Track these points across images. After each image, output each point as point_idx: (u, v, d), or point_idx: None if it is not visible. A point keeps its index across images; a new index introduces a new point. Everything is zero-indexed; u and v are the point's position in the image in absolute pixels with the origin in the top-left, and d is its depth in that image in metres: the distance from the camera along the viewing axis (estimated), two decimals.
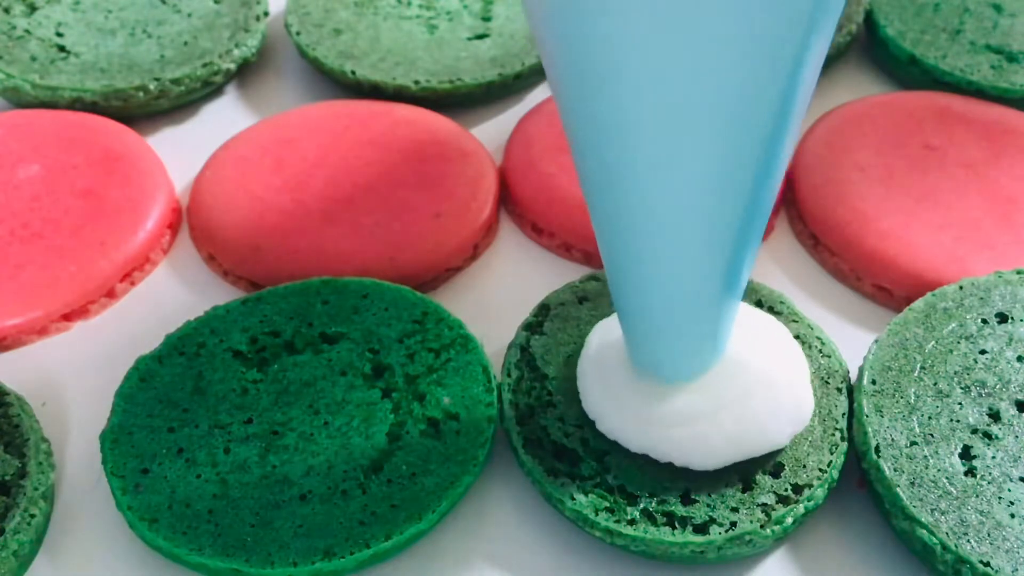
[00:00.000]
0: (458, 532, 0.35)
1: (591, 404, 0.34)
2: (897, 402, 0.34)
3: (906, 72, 0.51)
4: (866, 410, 0.34)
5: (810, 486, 0.33)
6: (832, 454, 0.34)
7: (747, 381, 0.33)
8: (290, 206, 0.43)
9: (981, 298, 0.37)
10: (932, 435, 0.34)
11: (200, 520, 0.33)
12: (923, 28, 0.52)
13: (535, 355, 0.37)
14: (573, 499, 0.33)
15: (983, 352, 0.36)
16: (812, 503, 0.33)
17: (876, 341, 0.36)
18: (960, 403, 0.34)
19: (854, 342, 0.40)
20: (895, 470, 0.33)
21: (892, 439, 0.33)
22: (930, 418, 0.34)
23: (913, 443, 0.33)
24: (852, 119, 0.47)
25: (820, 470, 0.33)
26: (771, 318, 0.36)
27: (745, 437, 0.32)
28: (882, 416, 0.34)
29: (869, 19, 0.53)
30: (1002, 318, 0.37)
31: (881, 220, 0.42)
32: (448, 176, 0.44)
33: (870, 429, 0.34)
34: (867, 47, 0.54)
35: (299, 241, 0.42)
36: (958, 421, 0.34)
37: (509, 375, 0.36)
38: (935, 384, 0.35)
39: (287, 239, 0.42)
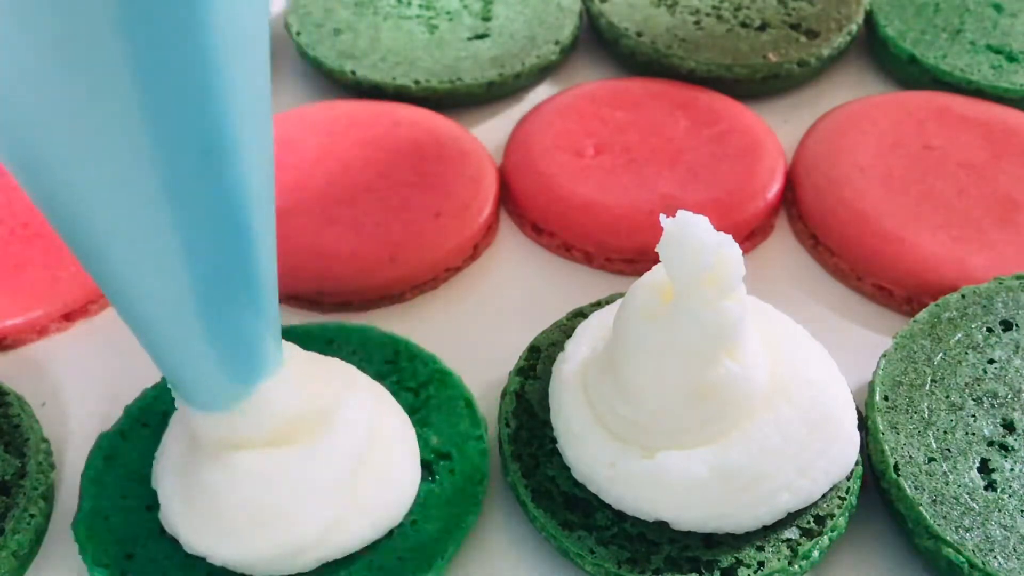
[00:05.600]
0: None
1: (561, 447, 0.33)
2: (911, 418, 0.34)
3: (906, 72, 0.51)
4: (881, 427, 0.34)
5: (832, 516, 0.32)
6: (849, 479, 0.33)
7: (767, 435, 0.31)
8: (290, 206, 0.43)
9: (984, 306, 0.37)
10: (949, 450, 0.33)
11: None
12: (923, 28, 0.52)
13: (531, 401, 0.35)
14: (593, 553, 0.32)
15: (992, 362, 0.36)
16: (836, 532, 0.32)
17: (884, 355, 0.36)
18: (974, 415, 0.34)
19: (857, 343, 0.40)
20: (916, 488, 0.32)
21: (910, 456, 0.33)
22: (945, 432, 0.34)
23: (931, 459, 0.33)
24: (852, 119, 0.47)
25: (840, 498, 0.33)
26: (794, 326, 0.35)
27: (758, 509, 0.31)
28: (898, 433, 0.33)
29: (869, 19, 0.53)
30: (1007, 326, 0.37)
31: (881, 220, 0.42)
32: (448, 176, 0.44)
33: (887, 447, 0.33)
34: (867, 47, 0.54)
35: (299, 241, 0.42)
36: (974, 434, 0.34)
37: (508, 425, 0.35)
38: (947, 397, 0.35)
39: (287, 239, 0.42)
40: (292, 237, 0.42)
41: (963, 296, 0.38)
